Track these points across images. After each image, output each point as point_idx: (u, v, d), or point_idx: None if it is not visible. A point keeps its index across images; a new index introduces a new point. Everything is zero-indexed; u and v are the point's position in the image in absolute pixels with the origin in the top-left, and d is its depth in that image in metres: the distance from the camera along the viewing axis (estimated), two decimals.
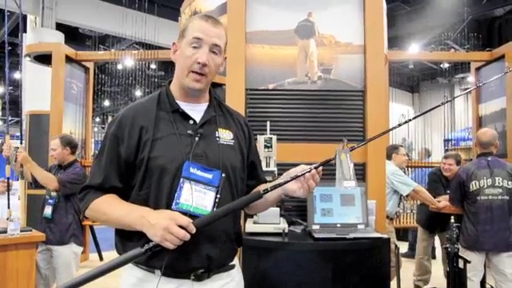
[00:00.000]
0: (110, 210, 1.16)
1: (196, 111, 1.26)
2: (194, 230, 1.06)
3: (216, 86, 3.33)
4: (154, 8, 7.76)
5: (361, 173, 2.58)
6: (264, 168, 1.75)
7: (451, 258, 2.84)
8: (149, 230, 1.06)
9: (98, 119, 14.46)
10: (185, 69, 1.21)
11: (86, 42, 9.15)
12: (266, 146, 2.29)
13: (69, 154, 3.15)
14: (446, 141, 8.09)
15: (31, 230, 2.80)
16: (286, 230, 2.17)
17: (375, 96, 2.63)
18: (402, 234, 5.94)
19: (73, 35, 9.43)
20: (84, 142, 5.53)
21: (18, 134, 3.64)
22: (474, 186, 3.03)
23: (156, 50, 5.54)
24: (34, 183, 3.14)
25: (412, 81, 15.02)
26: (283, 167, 1.68)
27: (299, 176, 1.13)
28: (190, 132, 1.21)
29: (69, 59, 5.13)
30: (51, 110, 4.93)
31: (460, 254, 2.86)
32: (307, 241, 2.13)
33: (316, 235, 2.12)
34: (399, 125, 1.39)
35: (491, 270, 3.04)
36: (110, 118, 13.83)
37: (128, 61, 6.74)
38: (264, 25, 2.69)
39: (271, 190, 1.14)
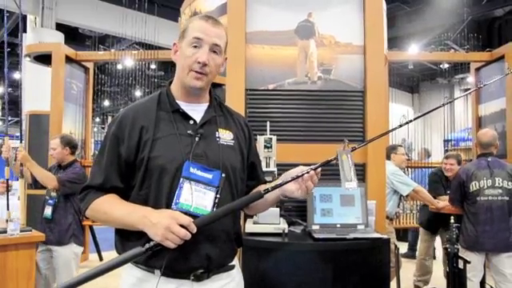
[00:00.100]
0: (111, 209, 1.16)
1: (196, 111, 1.26)
2: (195, 230, 1.06)
3: (216, 86, 3.33)
4: (154, 8, 7.76)
5: (361, 173, 2.58)
6: (264, 168, 1.75)
7: (451, 259, 2.84)
8: (150, 230, 1.06)
9: (97, 119, 14.43)
10: (185, 68, 1.21)
11: (86, 42, 9.17)
12: (265, 147, 2.28)
13: (68, 153, 3.15)
14: (446, 141, 8.10)
15: (31, 230, 2.80)
16: (286, 231, 2.17)
17: (375, 96, 2.63)
18: (402, 234, 5.94)
19: (73, 35, 9.45)
20: (84, 142, 5.53)
21: (18, 134, 3.64)
22: (473, 186, 3.03)
23: (156, 50, 5.54)
24: (34, 184, 3.14)
25: (412, 81, 15.02)
26: (283, 167, 1.68)
27: (298, 177, 1.13)
28: (190, 132, 1.21)
29: (69, 59, 5.12)
30: (51, 110, 4.93)
31: (460, 254, 2.86)
32: (307, 241, 2.13)
33: (316, 235, 2.12)
34: (400, 125, 1.38)
35: (491, 271, 3.04)
36: (109, 118, 13.82)
37: (128, 61, 6.73)
38: (264, 25, 2.69)
39: (272, 190, 1.14)
